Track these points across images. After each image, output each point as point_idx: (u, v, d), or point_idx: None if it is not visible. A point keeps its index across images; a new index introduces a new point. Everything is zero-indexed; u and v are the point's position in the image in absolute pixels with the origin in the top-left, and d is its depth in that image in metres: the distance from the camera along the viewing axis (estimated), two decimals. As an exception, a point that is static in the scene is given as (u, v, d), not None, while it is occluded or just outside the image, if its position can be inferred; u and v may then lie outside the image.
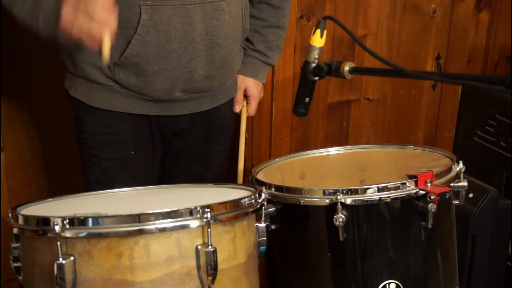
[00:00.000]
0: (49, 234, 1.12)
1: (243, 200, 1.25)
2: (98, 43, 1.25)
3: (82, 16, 1.24)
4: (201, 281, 1.17)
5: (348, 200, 1.36)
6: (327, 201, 1.38)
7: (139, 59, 1.48)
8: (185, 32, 1.48)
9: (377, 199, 1.38)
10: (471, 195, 1.92)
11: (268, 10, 1.75)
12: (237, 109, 1.81)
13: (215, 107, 1.70)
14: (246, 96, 1.83)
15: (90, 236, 1.12)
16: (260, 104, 2.15)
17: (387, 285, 1.41)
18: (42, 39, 1.39)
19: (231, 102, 1.78)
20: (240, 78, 1.79)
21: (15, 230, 1.21)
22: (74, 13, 1.25)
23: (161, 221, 1.13)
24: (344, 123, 2.35)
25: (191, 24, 1.48)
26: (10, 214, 1.22)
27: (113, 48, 1.28)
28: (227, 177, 1.87)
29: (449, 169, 1.51)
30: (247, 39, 1.75)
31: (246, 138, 1.90)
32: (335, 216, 1.35)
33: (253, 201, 1.28)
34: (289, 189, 1.44)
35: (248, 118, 1.88)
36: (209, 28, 1.51)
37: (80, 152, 1.67)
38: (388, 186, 1.39)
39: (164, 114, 1.61)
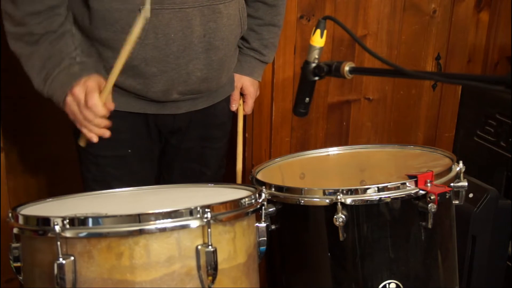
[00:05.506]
0: (49, 234, 1.12)
1: (243, 200, 1.25)
2: (93, 137, 1.46)
3: (82, 116, 1.43)
4: (201, 281, 1.17)
5: (348, 200, 1.36)
6: (327, 201, 1.38)
7: (138, 62, 1.49)
8: (184, 35, 1.49)
9: (377, 199, 1.38)
10: (471, 195, 1.92)
11: (263, 9, 1.75)
12: (233, 107, 1.82)
13: (212, 104, 1.70)
14: (242, 95, 1.84)
15: (90, 236, 1.12)
16: (260, 104, 2.16)
17: (387, 285, 1.41)
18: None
19: (227, 100, 1.79)
20: (237, 76, 1.79)
21: (15, 230, 1.21)
22: (76, 110, 1.44)
23: (161, 221, 1.13)
24: (344, 123, 2.35)
25: (189, 27, 1.49)
26: (10, 214, 1.22)
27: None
28: (227, 177, 1.87)
29: (449, 169, 1.51)
30: (242, 38, 1.76)
31: (245, 137, 1.91)
32: (335, 216, 1.35)
33: (253, 201, 1.28)
34: (289, 189, 1.44)
35: (248, 118, 1.88)
36: (206, 31, 1.52)
37: (78, 151, 1.67)
38: (388, 186, 1.39)
39: (161, 112, 1.61)
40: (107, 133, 1.46)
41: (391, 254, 1.42)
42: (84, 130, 1.46)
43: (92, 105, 1.40)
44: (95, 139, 1.46)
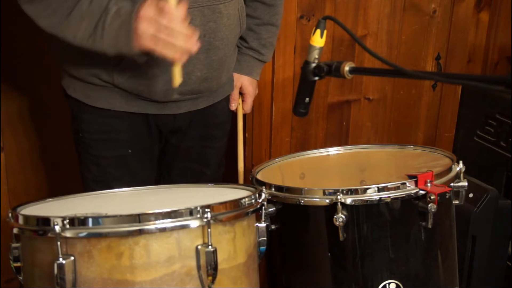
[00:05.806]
0: (49, 234, 1.13)
1: (243, 200, 1.25)
2: (183, 56, 1.31)
3: (164, 32, 1.28)
4: (201, 281, 1.17)
5: (348, 200, 1.36)
6: (327, 201, 1.38)
7: (140, 63, 1.49)
8: None
9: (377, 199, 1.38)
10: (471, 195, 1.92)
11: (261, 8, 1.76)
12: (233, 107, 1.82)
13: (211, 104, 1.71)
14: (241, 94, 1.84)
15: (90, 236, 1.12)
16: (260, 104, 2.16)
17: (387, 285, 1.41)
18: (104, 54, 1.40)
19: (227, 99, 1.79)
20: (236, 76, 1.80)
21: (15, 230, 1.21)
22: (154, 30, 1.28)
23: (161, 221, 1.13)
24: (344, 123, 2.35)
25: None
26: (10, 214, 1.22)
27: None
28: (226, 177, 1.88)
29: (449, 169, 1.51)
30: (241, 37, 1.76)
31: (245, 137, 1.91)
32: (335, 216, 1.35)
33: (253, 201, 1.28)
34: (289, 189, 1.44)
35: (248, 118, 1.88)
36: (206, 31, 1.52)
37: (78, 151, 1.67)
38: (388, 186, 1.39)
39: (162, 112, 1.61)
40: (195, 47, 1.31)
41: (391, 254, 1.42)
42: (171, 51, 1.30)
43: (169, 9, 1.26)
44: (184, 57, 1.31)
